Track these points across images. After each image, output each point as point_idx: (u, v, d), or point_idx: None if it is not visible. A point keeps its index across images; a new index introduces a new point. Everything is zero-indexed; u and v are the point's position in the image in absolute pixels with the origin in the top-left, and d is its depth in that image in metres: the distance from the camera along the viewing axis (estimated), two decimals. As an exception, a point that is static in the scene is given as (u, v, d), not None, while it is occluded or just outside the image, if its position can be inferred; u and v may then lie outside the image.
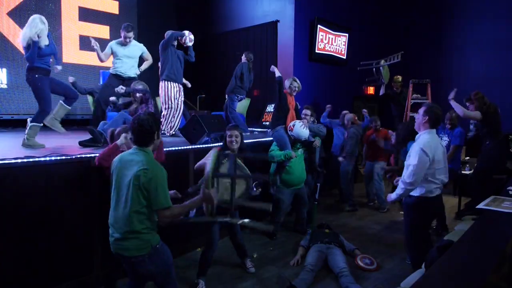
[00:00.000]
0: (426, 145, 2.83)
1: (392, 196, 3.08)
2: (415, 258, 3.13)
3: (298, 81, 4.74)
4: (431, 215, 3.29)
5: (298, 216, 4.76)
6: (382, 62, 6.94)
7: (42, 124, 4.05)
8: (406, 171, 2.91)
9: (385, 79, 6.98)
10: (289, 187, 4.50)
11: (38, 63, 3.90)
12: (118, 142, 2.89)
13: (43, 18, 3.94)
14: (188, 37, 5.37)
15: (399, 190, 2.99)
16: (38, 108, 4.00)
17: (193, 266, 3.41)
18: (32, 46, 3.77)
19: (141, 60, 5.40)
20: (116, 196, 2.21)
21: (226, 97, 6.19)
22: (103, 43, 7.82)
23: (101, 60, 5.05)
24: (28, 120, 4.04)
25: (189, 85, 5.81)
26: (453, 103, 4.53)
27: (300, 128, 4.35)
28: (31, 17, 3.87)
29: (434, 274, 1.75)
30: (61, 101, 4.17)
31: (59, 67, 4.27)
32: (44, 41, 3.88)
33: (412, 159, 2.87)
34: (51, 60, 4.08)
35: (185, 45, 5.46)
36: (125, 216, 2.14)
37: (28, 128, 3.96)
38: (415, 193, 2.99)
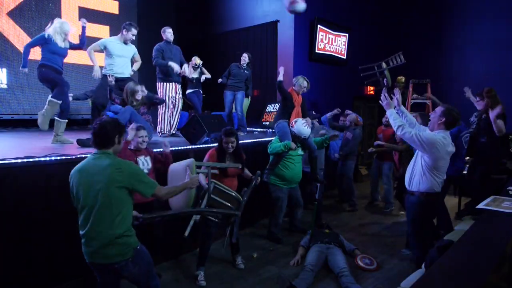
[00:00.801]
0: (440, 138, 2.87)
1: (389, 109, 3.09)
2: (420, 257, 3.13)
3: (307, 81, 4.70)
4: (434, 211, 3.31)
5: (293, 217, 4.76)
6: (384, 65, 6.88)
7: (67, 120, 4.27)
8: (413, 129, 2.97)
9: (389, 81, 6.94)
10: (285, 184, 4.46)
11: (45, 61, 4.07)
12: (129, 137, 3.07)
13: (63, 23, 4.21)
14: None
15: (393, 114, 3.04)
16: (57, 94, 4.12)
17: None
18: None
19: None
20: (88, 207, 2.13)
21: (236, 93, 6.16)
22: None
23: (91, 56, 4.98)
24: (55, 117, 4.19)
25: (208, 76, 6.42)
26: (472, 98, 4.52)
27: (302, 126, 4.34)
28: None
29: (434, 274, 1.75)
30: (56, 118, 4.23)
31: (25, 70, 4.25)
32: (60, 42, 4.19)
33: (424, 133, 2.92)
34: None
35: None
36: (108, 222, 2.11)
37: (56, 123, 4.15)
38: (419, 188, 3.01)
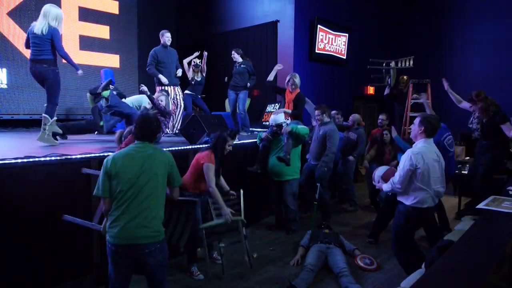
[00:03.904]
0: (415, 152, 2.91)
1: (384, 186, 3.19)
2: (401, 262, 3.23)
3: (291, 78, 5.17)
4: (417, 226, 3.34)
5: (278, 213, 4.79)
6: (393, 64, 6.93)
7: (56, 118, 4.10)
8: (396, 174, 3.03)
9: (393, 81, 6.99)
10: (271, 176, 4.63)
11: (55, 56, 3.94)
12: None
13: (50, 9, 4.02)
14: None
15: (387, 187, 3.12)
16: (48, 102, 4.01)
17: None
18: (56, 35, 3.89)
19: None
20: (135, 189, 2.23)
21: (238, 93, 6.10)
22: (103, 43, 7.87)
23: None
24: (45, 115, 4.01)
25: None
26: (449, 92, 4.64)
27: (273, 115, 4.63)
28: (49, 10, 4.05)
29: (434, 274, 1.75)
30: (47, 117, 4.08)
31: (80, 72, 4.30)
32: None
33: (400, 164, 2.99)
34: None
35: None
36: (152, 205, 2.26)
37: (48, 123, 3.96)
38: (407, 201, 3.01)
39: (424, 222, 3.37)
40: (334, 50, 7.99)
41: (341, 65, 8.24)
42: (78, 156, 3.21)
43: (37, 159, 2.97)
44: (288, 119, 4.69)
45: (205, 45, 8.73)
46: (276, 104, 7.11)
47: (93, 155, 3.28)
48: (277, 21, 7.41)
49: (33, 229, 2.90)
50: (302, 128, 4.44)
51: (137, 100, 5.09)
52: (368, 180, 6.05)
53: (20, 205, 2.84)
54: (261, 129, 7.08)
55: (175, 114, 5.59)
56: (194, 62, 6.35)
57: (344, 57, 8.24)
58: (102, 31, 7.86)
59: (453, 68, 8.39)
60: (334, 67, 8.10)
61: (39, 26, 3.85)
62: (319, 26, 7.48)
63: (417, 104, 6.72)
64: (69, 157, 3.15)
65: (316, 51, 7.57)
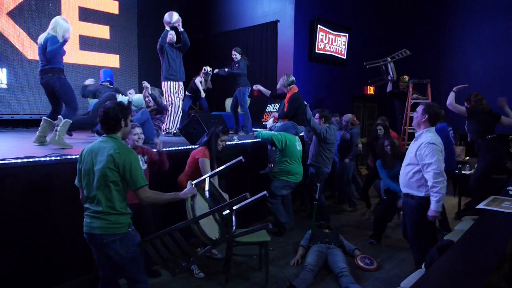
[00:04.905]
0: (435, 140, 2.87)
1: (433, 208, 2.82)
2: (420, 260, 3.11)
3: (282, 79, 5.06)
4: None
5: None
6: (389, 59, 6.93)
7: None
8: (427, 174, 2.82)
9: (395, 75, 6.98)
10: None
11: (61, 64, 3.94)
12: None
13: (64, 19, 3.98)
14: (178, 23, 5.57)
15: (435, 197, 2.80)
16: (66, 106, 4.02)
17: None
18: (59, 44, 3.82)
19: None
20: (90, 184, 2.26)
21: (238, 90, 6.09)
22: (103, 43, 7.87)
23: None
24: (60, 117, 3.98)
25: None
26: (451, 94, 4.69)
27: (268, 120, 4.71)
28: (56, 20, 3.90)
29: (434, 274, 1.75)
30: (45, 118, 4.08)
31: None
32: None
33: (428, 158, 2.82)
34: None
35: (179, 31, 5.64)
36: (103, 199, 2.22)
37: (61, 124, 3.91)
38: (420, 193, 2.93)
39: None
40: (334, 50, 7.99)
41: (341, 65, 8.24)
42: (79, 157, 3.20)
43: (37, 159, 2.97)
44: (277, 122, 4.68)
45: (205, 45, 8.76)
46: (276, 104, 7.10)
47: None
48: (277, 21, 7.41)
49: (33, 229, 2.90)
50: (265, 132, 4.58)
51: (137, 101, 5.09)
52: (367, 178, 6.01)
53: (20, 205, 2.84)
54: (261, 129, 7.09)
55: (175, 112, 5.60)
56: (205, 70, 6.40)
57: (344, 57, 8.24)
58: (102, 31, 7.86)
59: (453, 68, 8.39)
60: (334, 67, 8.10)
61: (41, 36, 3.88)
62: (319, 26, 7.48)
63: (418, 104, 6.73)
64: (69, 157, 3.14)
65: (316, 51, 7.57)
